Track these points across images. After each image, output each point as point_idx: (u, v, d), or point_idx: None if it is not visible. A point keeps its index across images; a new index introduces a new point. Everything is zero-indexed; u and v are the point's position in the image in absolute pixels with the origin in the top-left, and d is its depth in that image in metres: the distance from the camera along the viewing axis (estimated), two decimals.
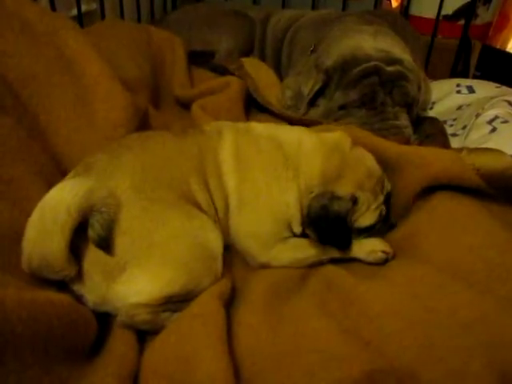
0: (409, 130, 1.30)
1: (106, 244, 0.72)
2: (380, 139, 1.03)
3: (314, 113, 1.41)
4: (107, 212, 0.71)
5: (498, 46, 2.95)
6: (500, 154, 0.90)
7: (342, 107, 1.33)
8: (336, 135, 0.96)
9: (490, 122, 1.22)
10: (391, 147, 0.99)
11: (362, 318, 0.72)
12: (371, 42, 1.36)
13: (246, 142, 0.93)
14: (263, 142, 0.93)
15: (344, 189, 0.87)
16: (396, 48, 1.37)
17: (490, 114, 1.25)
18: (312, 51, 1.55)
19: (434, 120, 1.44)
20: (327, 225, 0.86)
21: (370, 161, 0.94)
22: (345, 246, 0.89)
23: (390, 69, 1.29)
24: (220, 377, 0.63)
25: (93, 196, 0.70)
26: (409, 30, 1.75)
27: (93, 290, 0.72)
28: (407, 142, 1.27)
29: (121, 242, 0.74)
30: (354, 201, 0.87)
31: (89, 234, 0.71)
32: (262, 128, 0.98)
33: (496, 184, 0.88)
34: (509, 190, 0.89)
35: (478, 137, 1.20)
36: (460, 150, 0.94)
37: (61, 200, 0.67)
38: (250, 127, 0.98)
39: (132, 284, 0.72)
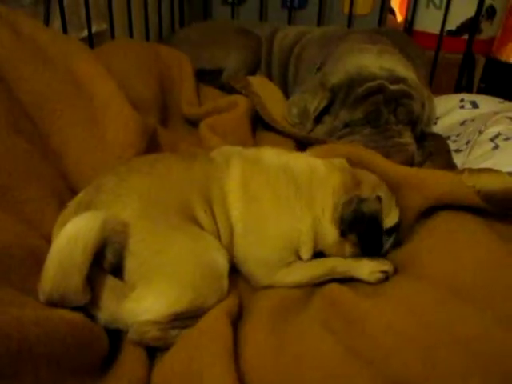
0: (412, 148, 1.33)
1: (116, 269, 0.75)
2: (383, 160, 1.05)
3: (320, 130, 1.43)
4: (118, 242, 0.75)
5: (502, 60, 2.96)
6: (501, 175, 0.92)
7: (346, 125, 1.36)
8: (339, 160, 1.00)
9: (493, 139, 1.24)
10: (393, 169, 1.01)
11: (364, 337, 0.74)
12: (376, 61, 1.39)
13: (254, 171, 0.94)
14: (273, 173, 0.94)
15: (366, 192, 0.91)
16: (400, 66, 1.40)
17: (492, 131, 1.27)
18: (318, 69, 1.59)
19: (437, 137, 1.46)
20: (365, 226, 0.90)
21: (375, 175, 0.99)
22: (379, 248, 0.92)
23: (393, 87, 1.32)
24: None
25: (106, 230, 0.72)
26: (413, 48, 1.78)
27: (104, 308, 0.74)
28: (411, 160, 1.30)
29: (129, 263, 0.77)
30: (379, 199, 0.91)
31: (101, 262, 0.73)
32: (271, 156, 0.99)
33: (497, 204, 0.90)
34: (510, 209, 0.91)
35: (480, 153, 1.22)
36: (462, 171, 0.96)
37: (76, 241, 0.69)
38: (259, 156, 0.99)
39: (141, 302, 0.75)
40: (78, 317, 0.67)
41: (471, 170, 0.95)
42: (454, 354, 0.70)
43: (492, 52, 2.37)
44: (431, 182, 0.94)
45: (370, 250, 0.92)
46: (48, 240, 0.84)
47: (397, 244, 0.99)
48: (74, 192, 0.98)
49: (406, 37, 1.95)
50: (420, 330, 0.74)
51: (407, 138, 1.33)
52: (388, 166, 1.02)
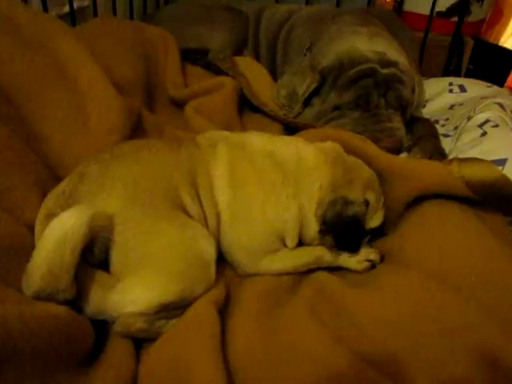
0: (401, 132, 1.32)
1: (103, 262, 0.73)
2: (374, 148, 1.04)
3: (309, 113, 1.42)
4: (105, 236, 0.73)
5: (490, 41, 2.96)
6: (490, 165, 0.93)
7: (336, 108, 1.34)
8: (330, 145, 0.98)
9: (481, 125, 1.24)
10: (382, 158, 1.01)
11: (352, 327, 0.75)
12: (367, 44, 1.37)
13: (241, 157, 0.93)
14: (260, 159, 0.93)
15: (355, 193, 0.90)
16: (391, 50, 1.38)
17: (481, 117, 1.27)
18: (308, 49, 1.56)
19: (426, 121, 1.46)
20: (344, 229, 0.89)
21: (367, 166, 0.97)
22: (357, 248, 0.91)
23: (384, 71, 1.31)
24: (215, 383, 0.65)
25: (93, 228, 0.71)
26: (404, 31, 1.76)
27: (89, 301, 0.73)
28: (400, 145, 1.30)
29: (115, 254, 0.75)
30: (367, 204, 0.90)
31: (87, 256, 0.72)
32: (258, 142, 0.97)
33: (486, 194, 0.91)
34: (498, 199, 0.91)
35: (468, 140, 1.22)
36: (450, 161, 0.96)
37: (64, 244, 0.67)
38: (246, 141, 0.97)
39: (127, 294, 0.73)
40: (63, 310, 0.65)
41: (460, 160, 0.95)
42: (440, 344, 0.72)
43: (481, 34, 2.35)
44: (420, 172, 0.94)
45: (346, 249, 0.92)
46: (31, 229, 0.82)
47: (382, 234, 1.00)
48: (57, 179, 0.95)
49: (396, 18, 1.92)
50: (405, 319, 0.75)
51: (396, 123, 1.33)
52: (378, 155, 1.02)
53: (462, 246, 0.85)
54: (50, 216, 0.79)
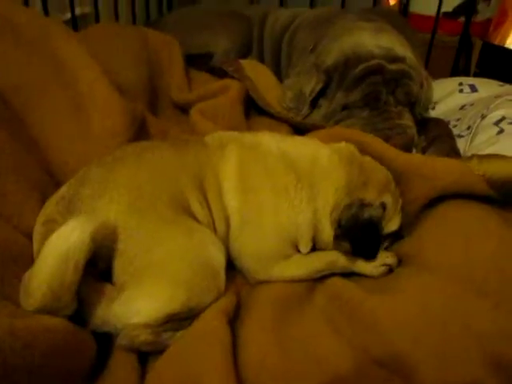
0: (412, 130, 1.28)
1: (106, 272, 0.69)
2: (387, 147, 0.99)
3: (317, 114, 1.38)
4: (108, 246, 0.69)
5: (496, 42, 2.92)
6: (511, 161, 0.87)
7: (344, 107, 1.30)
8: (345, 145, 0.93)
9: (497, 123, 1.19)
10: (399, 157, 0.96)
11: (372, 335, 0.70)
12: (372, 39, 1.32)
13: (252, 159, 0.88)
14: (272, 161, 0.88)
15: (371, 196, 0.85)
16: (398, 45, 1.34)
17: (496, 114, 1.22)
18: (312, 50, 1.52)
19: (439, 121, 1.41)
20: (360, 233, 0.83)
21: (382, 166, 0.92)
22: (374, 254, 0.86)
23: (392, 67, 1.26)
24: None
25: (96, 241, 0.66)
26: (408, 29, 1.72)
27: (93, 312, 0.69)
28: (411, 142, 1.25)
29: (118, 263, 0.71)
30: (384, 207, 0.85)
31: (89, 267, 0.67)
32: (270, 143, 0.92)
33: (508, 191, 0.85)
34: None
35: (485, 139, 1.17)
36: (470, 157, 0.91)
37: (67, 262, 0.63)
38: (257, 141, 0.92)
39: (131, 304, 0.69)
40: (60, 323, 0.61)
41: (480, 157, 0.90)
42: (468, 351, 0.66)
43: (488, 34, 2.32)
44: (439, 170, 0.89)
45: (362, 255, 0.86)
46: (28, 235, 0.78)
47: (399, 237, 0.94)
48: (57, 184, 0.92)
49: (401, 18, 1.89)
50: (430, 325, 0.69)
51: (407, 120, 1.28)
52: (394, 154, 0.96)
53: (486, 248, 0.79)
54: (49, 222, 0.76)
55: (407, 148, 1.23)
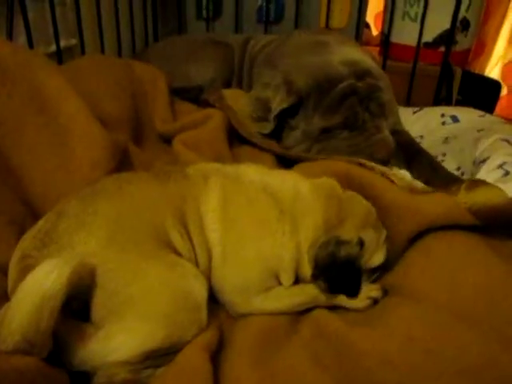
0: (390, 138, 1.34)
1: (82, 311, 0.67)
2: (381, 181, 1.01)
3: (293, 135, 1.40)
4: (86, 284, 0.67)
5: (476, 71, 3.01)
6: (499, 190, 0.88)
7: (323, 130, 1.33)
8: (326, 180, 0.93)
9: (500, 166, 1.20)
10: (389, 191, 0.96)
11: (357, 370, 0.67)
12: (336, 54, 1.38)
13: (234, 191, 0.87)
14: (255, 193, 0.87)
15: (349, 233, 0.83)
16: (359, 54, 1.41)
17: (495, 159, 1.22)
18: (273, 66, 1.55)
19: (401, 135, 1.47)
20: (337, 272, 0.81)
21: (364, 200, 0.91)
22: (355, 292, 0.84)
23: (362, 84, 1.32)
24: None
25: (73, 284, 0.63)
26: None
27: (68, 350, 0.66)
28: (392, 151, 1.32)
29: (96, 298, 0.69)
30: (361, 243, 0.83)
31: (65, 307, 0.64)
32: (253, 175, 0.91)
33: (496, 221, 0.86)
34: (509, 224, 0.86)
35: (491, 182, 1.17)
36: (457, 188, 0.91)
37: (42, 310, 0.60)
38: (240, 173, 0.91)
39: (109, 341, 0.66)
40: (32, 362, 0.58)
41: (468, 186, 0.90)
42: None
43: (467, 64, 2.38)
44: (426, 207, 0.89)
45: (340, 293, 0.84)
46: (3, 271, 0.76)
47: (384, 269, 0.92)
48: (36, 217, 0.89)
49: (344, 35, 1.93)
50: (419, 358, 0.68)
51: (385, 131, 1.34)
52: (384, 189, 0.97)
53: (472, 276, 0.79)
54: (25, 258, 0.73)
55: (390, 157, 1.31)
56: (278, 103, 1.36)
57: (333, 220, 0.84)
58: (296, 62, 1.42)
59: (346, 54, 1.38)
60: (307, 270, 0.84)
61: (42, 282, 0.61)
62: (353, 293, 0.84)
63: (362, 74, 1.33)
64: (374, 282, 0.90)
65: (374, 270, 0.88)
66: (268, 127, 1.41)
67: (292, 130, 1.40)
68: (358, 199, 0.91)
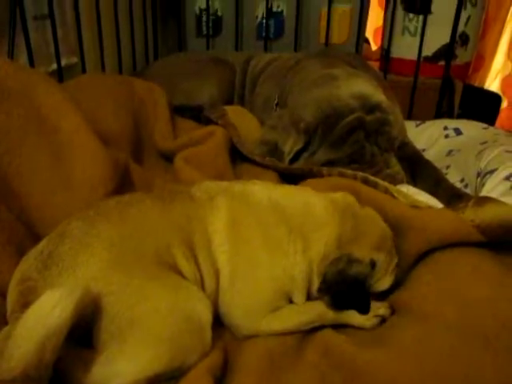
0: (401, 175, 1.29)
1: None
2: (383, 196, 0.99)
3: (297, 165, 1.36)
4: (89, 310, 0.65)
5: (476, 84, 3.02)
6: (507, 207, 0.86)
7: (328, 162, 1.29)
8: (342, 196, 0.91)
9: (508, 177, 1.19)
10: (395, 208, 0.95)
11: None
12: (345, 88, 1.33)
13: (242, 211, 0.85)
14: (263, 212, 0.85)
15: (361, 252, 0.81)
16: (369, 88, 1.36)
17: (502, 170, 1.21)
18: (277, 104, 1.53)
19: (406, 147, 1.45)
20: (345, 290, 0.80)
21: (382, 221, 0.89)
22: (366, 309, 0.81)
23: (371, 118, 1.28)
24: None
25: (77, 314, 0.62)
26: (369, 67, 1.74)
27: (70, 376, 0.64)
28: None
29: (99, 321, 0.67)
30: (373, 265, 0.81)
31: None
32: (261, 193, 0.89)
33: (503, 237, 0.84)
34: None
35: (497, 194, 1.15)
36: (465, 204, 0.90)
37: (45, 344, 0.58)
38: (247, 192, 0.89)
39: (111, 365, 0.64)
40: None
41: (475, 204, 0.88)
42: None
43: (467, 78, 2.39)
44: (434, 224, 0.88)
45: (347, 309, 0.82)
46: (3, 293, 0.74)
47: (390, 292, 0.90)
48: (36, 237, 0.88)
49: (359, 57, 1.89)
50: (432, 380, 0.66)
51: (394, 166, 1.30)
52: (392, 206, 0.95)
53: (481, 291, 0.77)
54: (25, 281, 0.72)
55: None
56: (291, 145, 1.32)
57: (347, 236, 0.83)
58: (303, 97, 1.38)
59: (355, 87, 1.34)
60: (316, 287, 0.83)
61: (46, 318, 0.59)
62: (363, 310, 0.81)
63: (371, 107, 1.29)
64: (380, 299, 0.88)
65: (381, 294, 0.86)
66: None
67: (295, 162, 1.36)
68: (376, 219, 0.89)
